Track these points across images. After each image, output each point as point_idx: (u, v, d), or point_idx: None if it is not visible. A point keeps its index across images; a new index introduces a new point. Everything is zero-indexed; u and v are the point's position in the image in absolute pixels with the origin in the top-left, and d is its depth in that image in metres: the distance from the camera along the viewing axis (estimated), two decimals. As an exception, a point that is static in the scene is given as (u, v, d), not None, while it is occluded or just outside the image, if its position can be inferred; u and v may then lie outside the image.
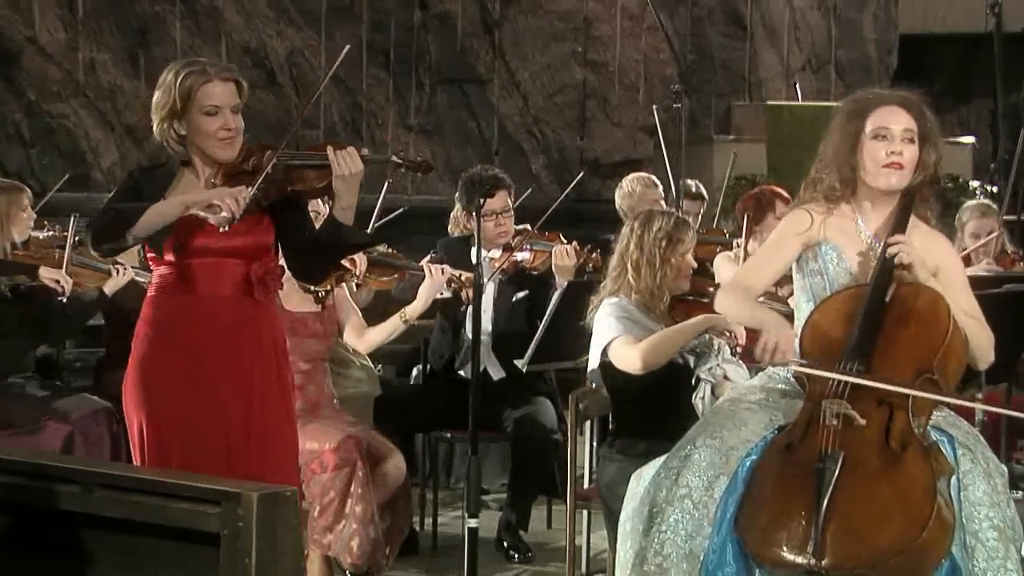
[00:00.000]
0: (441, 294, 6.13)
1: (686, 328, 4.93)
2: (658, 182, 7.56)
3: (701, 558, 3.80)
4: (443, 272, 5.98)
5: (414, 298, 6.09)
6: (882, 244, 3.96)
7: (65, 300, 6.05)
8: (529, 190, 7.15)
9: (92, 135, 10.32)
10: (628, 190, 7.46)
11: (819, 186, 4.10)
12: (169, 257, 4.20)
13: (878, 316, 3.86)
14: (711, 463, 3.85)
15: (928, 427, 3.82)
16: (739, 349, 4.92)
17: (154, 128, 4.25)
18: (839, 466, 3.63)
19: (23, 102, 10.14)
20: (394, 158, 4.34)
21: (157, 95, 4.22)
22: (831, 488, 3.60)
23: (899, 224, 3.99)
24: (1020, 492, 6.05)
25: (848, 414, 3.72)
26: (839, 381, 3.78)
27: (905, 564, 3.59)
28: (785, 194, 6.72)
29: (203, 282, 4.21)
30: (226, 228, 4.06)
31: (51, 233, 6.51)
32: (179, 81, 4.16)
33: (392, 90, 11.75)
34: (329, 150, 4.19)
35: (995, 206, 7.40)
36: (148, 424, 4.20)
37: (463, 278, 6.02)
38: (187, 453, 4.14)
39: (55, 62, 10.20)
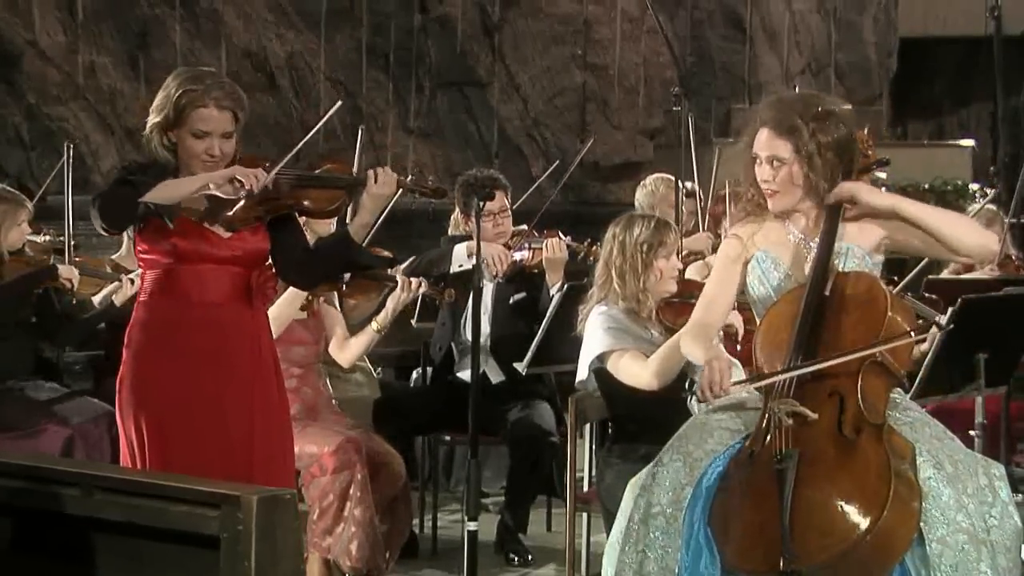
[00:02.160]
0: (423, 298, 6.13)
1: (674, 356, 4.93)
2: (679, 185, 7.56)
3: (676, 571, 3.82)
4: (417, 285, 5.93)
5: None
6: (816, 243, 4.00)
7: (73, 300, 6.06)
8: (528, 192, 7.15)
9: (92, 138, 10.34)
10: (651, 188, 7.44)
11: (744, 200, 4.20)
12: (167, 261, 4.18)
13: (820, 310, 3.90)
14: (676, 478, 3.90)
15: (887, 413, 3.83)
16: (739, 340, 4.92)
17: (147, 127, 4.22)
18: (796, 464, 3.66)
19: (23, 105, 10.16)
20: (408, 182, 4.37)
21: (159, 97, 4.20)
22: (792, 487, 3.64)
23: (827, 236, 4.01)
24: (1021, 495, 6.04)
25: (799, 411, 3.75)
26: (786, 381, 3.83)
27: (875, 549, 3.61)
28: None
29: (201, 287, 4.19)
30: (241, 204, 4.03)
31: (47, 238, 6.51)
32: (177, 96, 4.13)
33: (392, 93, 11.76)
34: (371, 172, 4.25)
35: (1001, 212, 7.39)
36: (148, 428, 4.17)
37: (442, 289, 6.00)
38: (190, 458, 4.12)
39: (55, 65, 10.22)
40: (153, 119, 4.19)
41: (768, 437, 3.80)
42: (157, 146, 4.19)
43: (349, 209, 4.64)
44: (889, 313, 3.87)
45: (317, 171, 4.34)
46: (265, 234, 4.26)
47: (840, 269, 3.99)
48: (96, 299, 6.38)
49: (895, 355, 3.88)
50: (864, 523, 3.60)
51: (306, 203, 4.27)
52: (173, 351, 4.19)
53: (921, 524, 3.68)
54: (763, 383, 3.89)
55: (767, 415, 3.84)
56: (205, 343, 4.18)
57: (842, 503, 3.64)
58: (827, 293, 3.93)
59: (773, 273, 4.10)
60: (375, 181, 4.25)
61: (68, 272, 6.05)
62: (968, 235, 3.96)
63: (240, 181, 4.04)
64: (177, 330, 4.18)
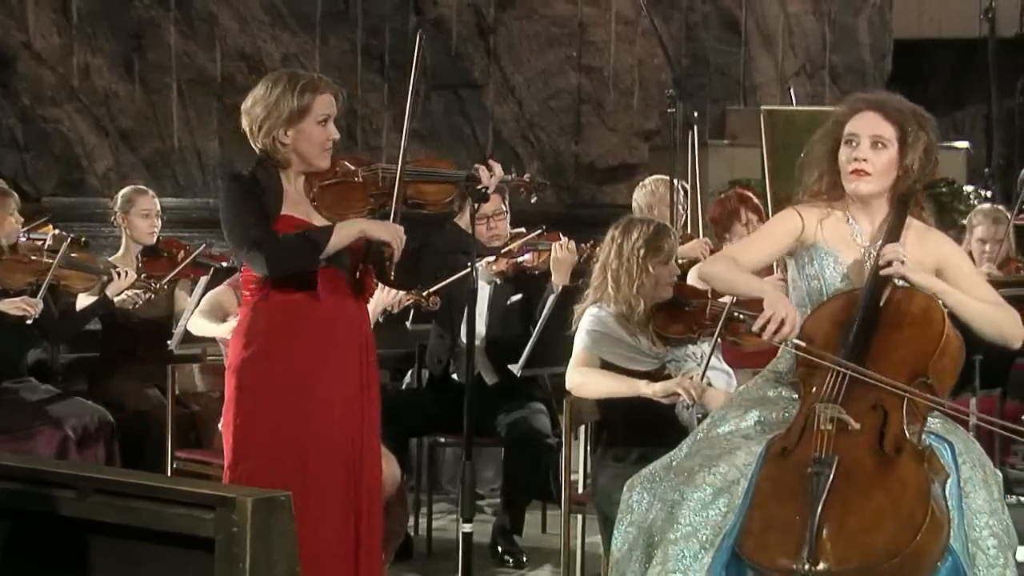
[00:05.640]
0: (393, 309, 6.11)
1: (622, 385, 5.01)
2: (678, 187, 7.55)
3: None
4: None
5: None
6: (877, 250, 3.97)
7: (31, 322, 6.05)
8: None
9: (87, 140, 10.31)
10: (651, 189, 7.43)
11: (804, 187, 4.16)
12: None
13: (872, 321, 3.87)
14: (716, 503, 3.79)
15: (924, 432, 3.82)
16: (688, 404, 4.95)
17: (257, 136, 4.28)
18: (833, 471, 3.64)
19: (17, 107, 10.13)
20: (511, 177, 4.58)
21: (262, 106, 4.26)
22: (825, 492, 3.61)
23: (892, 230, 3.99)
24: (1015, 497, 6.05)
25: (842, 418, 3.72)
26: (834, 385, 3.79)
27: (899, 569, 3.59)
28: (754, 200, 6.75)
29: (320, 285, 4.27)
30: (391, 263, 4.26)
31: (54, 233, 6.49)
32: (297, 91, 4.23)
33: (387, 95, 11.74)
34: (483, 169, 4.39)
35: (1007, 213, 7.39)
36: (261, 437, 4.25)
37: (428, 295, 5.98)
38: (298, 457, 4.23)
39: (49, 67, 10.19)
40: (270, 123, 4.24)
41: (803, 436, 3.76)
42: (279, 145, 4.25)
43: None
44: (946, 335, 3.84)
45: (427, 168, 4.47)
46: None
47: (897, 284, 3.95)
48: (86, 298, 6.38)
49: (943, 378, 3.86)
50: (896, 544, 3.55)
51: (421, 197, 4.38)
52: (290, 350, 4.27)
53: (964, 524, 3.68)
54: (817, 358, 3.82)
55: (807, 415, 3.80)
56: (319, 340, 4.25)
57: (876, 520, 3.60)
58: (881, 304, 3.91)
59: (830, 271, 4.05)
60: (484, 176, 4.37)
61: (7, 306, 6.01)
62: (994, 331, 4.01)
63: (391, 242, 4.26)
64: (304, 326, 4.25)
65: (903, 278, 3.93)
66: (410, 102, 4.59)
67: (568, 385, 5.16)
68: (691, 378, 4.88)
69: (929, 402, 3.82)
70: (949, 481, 3.75)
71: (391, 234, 4.26)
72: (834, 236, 4.07)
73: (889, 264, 3.89)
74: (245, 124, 4.31)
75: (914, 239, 4.02)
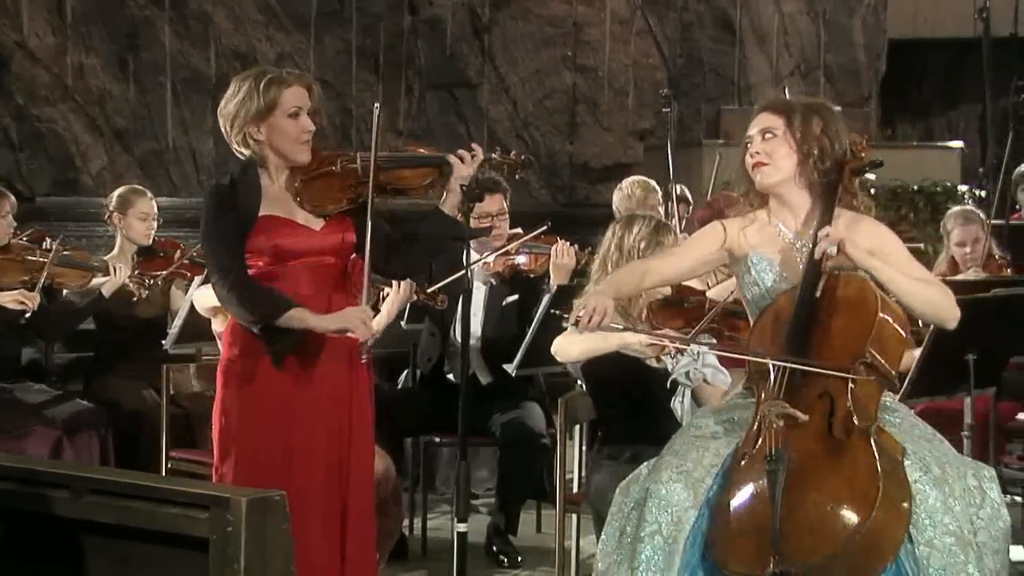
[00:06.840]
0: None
1: (609, 339, 4.95)
2: (657, 187, 7.56)
3: None
4: (408, 288, 5.91)
5: None
6: (808, 241, 4.02)
7: (27, 317, 6.04)
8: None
9: (81, 139, 10.30)
10: (628, 192, 7.44)
11: (739, 203, 4.29)
12: (265, 260, 4.23)
13: (811, 312, 3.92)
14: (679, 498, 3.87)
15: (877, 414, 3.84)
16: (653, 362, 4.94)
17: (232, 135, 4.27)
18: (786, 465, 3.68)
19: (12, 106, 10.12)
20: (494, 156, 4.48)
21: (233, 104, 4.25)
22: (782, 488, 3.65)
23: (822, 216, 4.04)
24: (1010, 497, 6.05)
25: (789, 413, 3.77)
26: (776, 382, 3.85)
27: (865, 550, 3.63)
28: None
29: (306, 282, 4.24)
30: (365, 357, 4.27)
31: (48, 241, 6.48)
32: (262, 86, 4.22)
33: (381, 95, 11.75)
34: (452, 156, 4.35)
35: (979, 211, 7.38)
36: (245, 435, 4.24)
37: (434, 294, 5.96)
38: (285, 472, 4.20)
39: (44, 66, 10.18)
40: (240, 121, 4.24)
41: (760, 439, 3.81)
42: (252, 143, 4.25)
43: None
44: (880, 315, 3.88)
45: (404, 153, 4.48)
46: (351, 225, 4.31)
47: (832, 270, 3.99)
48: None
49: (886, 357, 3.89)
50: (854, 523, 3.61)
51: (401, 182, 4.36)
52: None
53: (910, 527, 3.69)
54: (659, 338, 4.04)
55: (758, 417, 3.85)
56: (306, 338, 4.21)
57: (832, 504, 3.66)
58: (818, 295, 3.94)
59: (767, 274, 4.12)
60: (463, 160, 4.34)
61: (7, 299, 6.00)
62: (929, 309, 4.04)
63: (354, 332, 4.20)
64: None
65: (839, 245, 3.93)
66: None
67: (552, 350, 5.10)
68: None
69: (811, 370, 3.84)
70: (906, 462, 3.77)
71: (344, 321, 4.19)
72: (760, 240, 4.16)
73: (822, 241, 3.93)
74: (221, 125, 4.31)
75: (844, 226, 4.06)
